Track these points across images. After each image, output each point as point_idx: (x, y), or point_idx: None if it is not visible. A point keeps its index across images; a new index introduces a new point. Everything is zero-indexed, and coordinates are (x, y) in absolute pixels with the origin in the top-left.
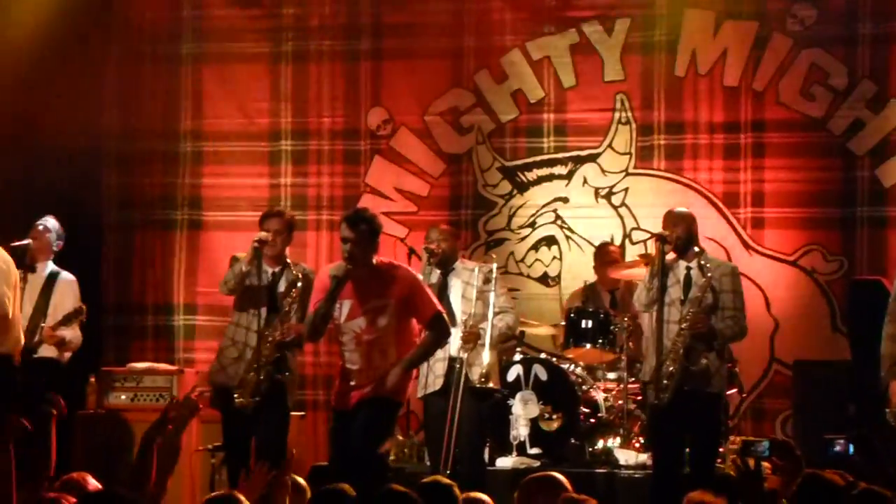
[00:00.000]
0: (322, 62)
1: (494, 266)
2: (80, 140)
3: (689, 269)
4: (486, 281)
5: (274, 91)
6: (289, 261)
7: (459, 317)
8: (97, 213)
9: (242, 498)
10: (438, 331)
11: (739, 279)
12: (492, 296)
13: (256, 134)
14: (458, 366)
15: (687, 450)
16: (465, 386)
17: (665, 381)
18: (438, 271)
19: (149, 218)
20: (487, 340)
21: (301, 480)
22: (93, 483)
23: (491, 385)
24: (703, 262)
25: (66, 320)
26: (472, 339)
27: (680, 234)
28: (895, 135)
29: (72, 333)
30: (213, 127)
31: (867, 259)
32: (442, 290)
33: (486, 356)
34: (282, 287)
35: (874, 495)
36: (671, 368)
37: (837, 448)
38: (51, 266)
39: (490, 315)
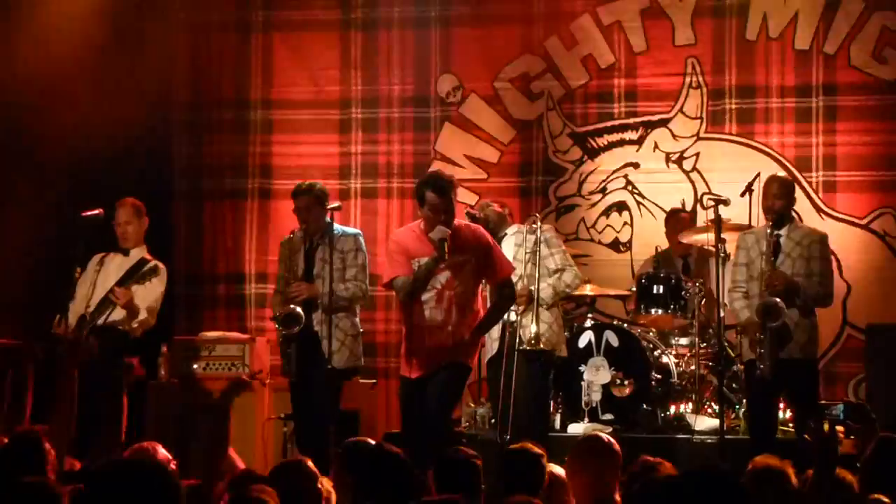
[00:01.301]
0: (392, 29)
1: (539, 225)
2: (150, 110)
3: (778, 237)
4: (536, 242)
5: (344, 59)
6: (336, 227)
7: None
8: (168, 182)
9: (310, 463)
10: (509, 293)
11: (828, 247)
12: (539, 256)
13: (326, 102)
14: (510, 330)
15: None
16: (517, 349)
17: (760, 351)
18: None
19: (219, 187)
20: (536, 301)
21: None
22: (162, 452)
23: (542, 347)
24: (793, 230)
25: (141, 277)
26: (522, 301)
27: (781, 206)
28: None
29: (144, 293)
30: (284, 95)
31: None
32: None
33: (536, 318)
34: (321, 253)
35: None
36: (759, 336)
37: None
38: (143, 252)
39: (537, 275)
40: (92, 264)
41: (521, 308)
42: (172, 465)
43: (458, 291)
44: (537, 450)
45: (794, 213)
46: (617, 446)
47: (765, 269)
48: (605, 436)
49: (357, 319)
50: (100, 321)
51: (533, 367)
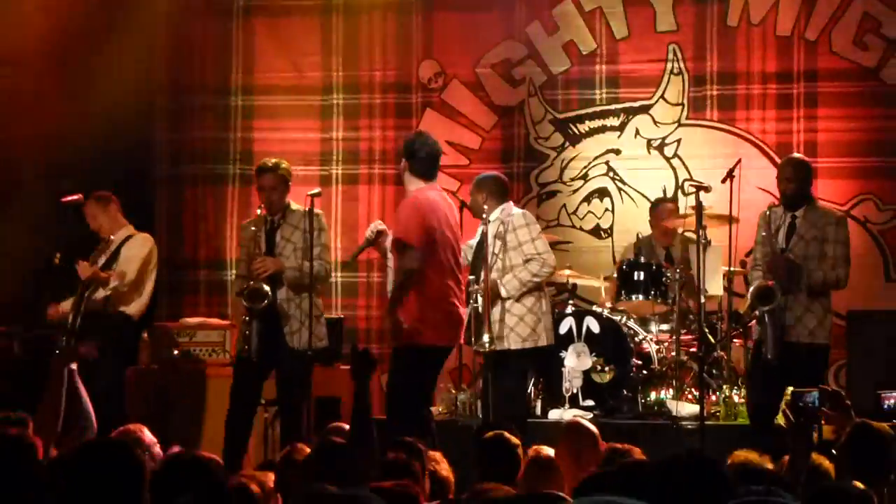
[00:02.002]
0: (373, 15)
1: (489, 215)
2: (131, 95)
3: (794, 218)
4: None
5: (325, 44)
6: (293, 207)
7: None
8: (149, 168)
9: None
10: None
11: (845, 229)
12: (507, 246)
13: (308, 88)
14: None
15: None
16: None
17: (765, 334)
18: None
19: (200, 173)
20: (503, 293)
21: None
22: (148, 435)
23: (506, 346)
24: (809, 212)
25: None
26: (489, 294)
27: (794, 189)
28: None
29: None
30: (265, 81)
31: None
32: (480, 243)
33: (487, 318)
34: (283, 233)
35: None
36: (768, 322)
37: (890, 403)
38: (127, 231)
39: (497, 266)
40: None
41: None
42: (157, 448)
43: None
44: (514, 439)
45: (811, 195)
46: (597, 431)
47: (768, 252)
48: (585, 422)
49: (319, 301)
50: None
51: (497, 370)
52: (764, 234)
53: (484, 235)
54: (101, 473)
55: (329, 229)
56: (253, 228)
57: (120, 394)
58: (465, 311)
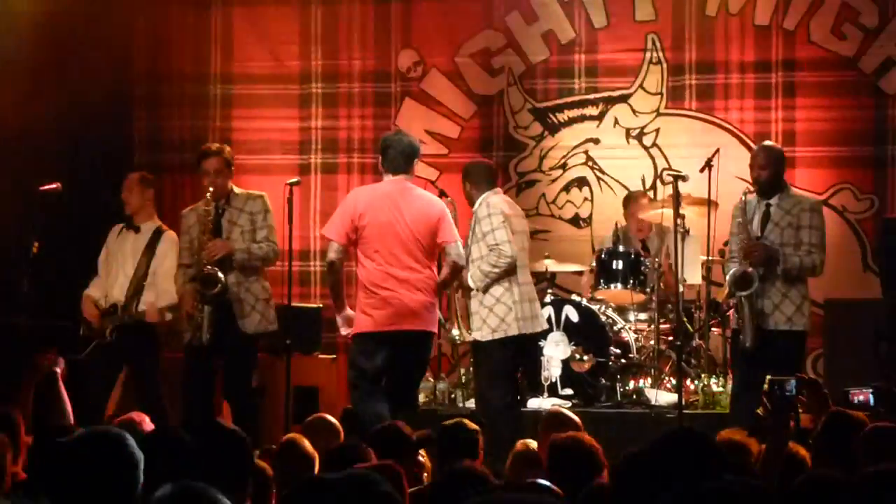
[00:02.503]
0: (352, 4)
1: (474, 205)
2: (109, 84)
3: (768, 205)
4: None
5: (304, 33)
6: (237, 191)
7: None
8: (127, 157)
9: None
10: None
11: (820, 215)
12: (475, 237)
13: (286, 76)
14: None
15: None
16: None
17: (742, 322)
18: None
19: (179, 162)
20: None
21: (334, 420)
22: (149, 424)
23: (478, 337)
24: (784, 199)
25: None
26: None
27: (767, 176)
28: None
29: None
30: (243, 70)
31: None
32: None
33: (454, 309)
34: (229, 216)
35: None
36: (746, 310)
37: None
38: (154, 224)
39: (471, 257)
40: (111, 238)
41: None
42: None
43: None
44: (472, 425)
45: (786, 182)
46: (579, 421)
47: (743, 239)
48: (566, 411)
49: (267, 284)
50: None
51: (474, 361)
52: (739, 221)
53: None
54: (95, 463)
55: (308, 218)
56: (196, 215)
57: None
58: (416, 298)
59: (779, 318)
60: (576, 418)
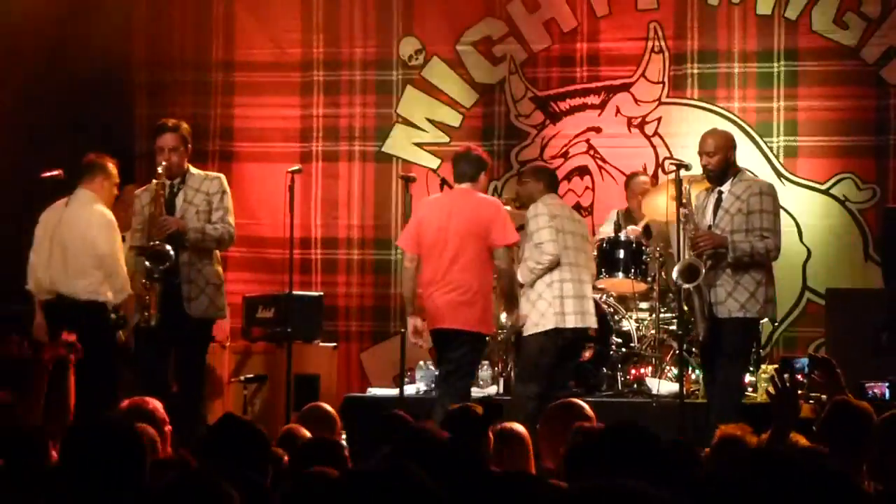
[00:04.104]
0: None
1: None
2: (110, 71)
3: (720, 192)
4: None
5: (305, 21)
6: (192, 171)
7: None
8: (128, 144)
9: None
10: None
11: (772, 198)
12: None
13: (288, 64)
14: None
15: None
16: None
17: (697, 313)
18: None
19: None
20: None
21: (331, 409)
22: (153, 402)
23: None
24: (735, 185)
25: None
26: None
27: (717, 163)
28: None
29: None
30: (245, 57)
31: None
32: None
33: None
34: (184, 196)
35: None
36: (695, 301)
37: (875, 391)
38: None
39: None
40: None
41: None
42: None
43: None
44: (478, 409)
45: (737, 169)
46: (590, 411)
47: (691, 229)
48: (578, 400)
49: (220, 269)
50: None
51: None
52: (686, 213)
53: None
54: (102, 452)
55: (309, 206)
56: (149, 193)
57: None
58: (446, 297)
59: (732, 305)
60: (588, 409)
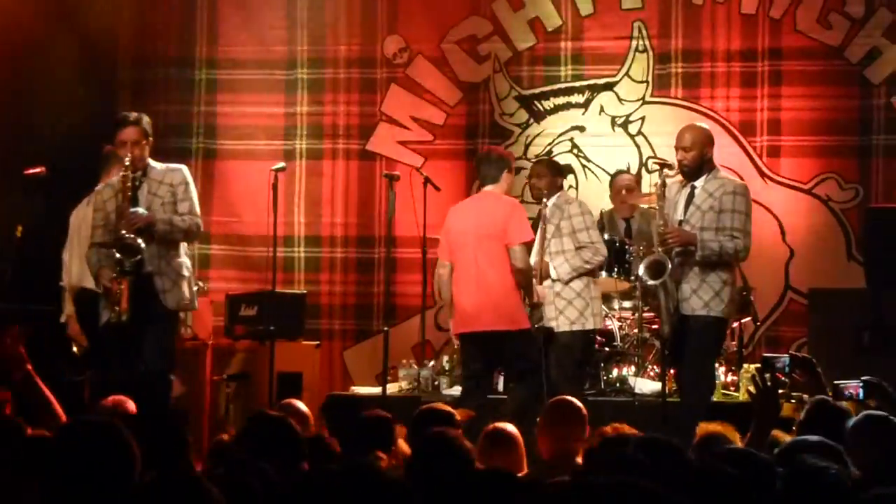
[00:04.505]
0: None
1: (549, 200)
2: (94, 68)
3: (693, 188)
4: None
5: (290, 19)
6: (153, 163)
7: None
8: (111, 141)
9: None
10: None
11: (744, 199)
12: (559, 229)
13: (272, 62)
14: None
15: None
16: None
17: (663, 310)
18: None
19: (163, 146)
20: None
21: (304, 407)
22: (130, 404)
23: (555, 327)
24: (709, 182)
25: None
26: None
27: (692, 158)
28: None
29: None
30: (229, 55)
31: (882, 187)
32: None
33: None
34: (148, 188)
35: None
36: (661, 297)
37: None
38: None
39: (550, 249)
40: None
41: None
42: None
43: None
44: (446, 408)
45: (713, 166)
46: (584, 410)
47: (659, 224)
48: (574, 399)
49: (189, 261)
50: None
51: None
52: (658, 205)
53: (545, 219)
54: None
55: (292, 204)
56: (111, 190)
57: None
58: (473, 300)
59: (696, 302)
60: (582, 408)
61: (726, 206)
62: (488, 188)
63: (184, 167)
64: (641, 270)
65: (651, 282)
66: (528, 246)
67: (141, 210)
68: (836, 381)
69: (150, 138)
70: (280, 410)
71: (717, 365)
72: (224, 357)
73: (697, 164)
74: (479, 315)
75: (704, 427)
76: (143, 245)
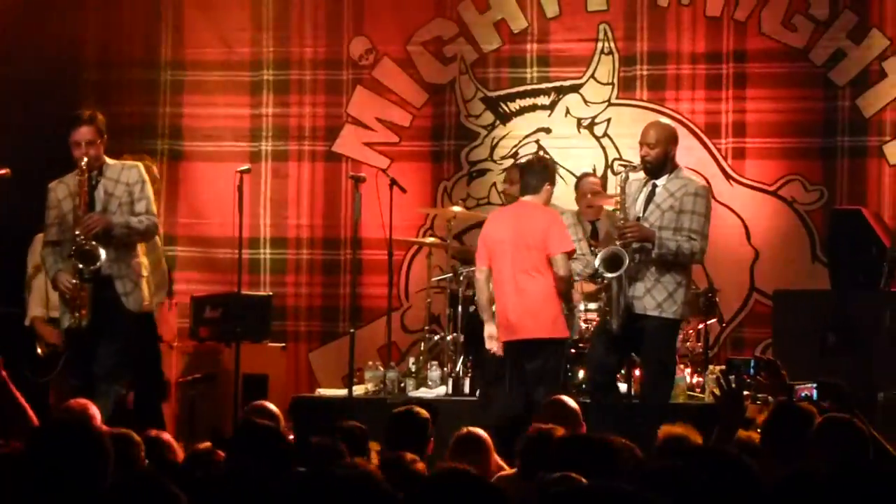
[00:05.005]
0: None
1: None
2: (59, 69)
3: (654, 186)
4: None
5: (255, 20)
6: (109, 161)
7: None
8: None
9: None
10: None
11: (705, 201)
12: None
13: (238, 63)
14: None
15: None
16: None
17: (610, 304)
18: None
19: (129, 148)
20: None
21: (275, 408)
22: (93, 409)
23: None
24: (671, 181)
25: None
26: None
27: (656, 155)
28: (875, 65)
29: None
30: (194, 56)
31: (847, 189)
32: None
33: None
34: (104, 188)
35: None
36: (614, 291)
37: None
38: None
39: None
40: None
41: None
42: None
43: None
44: (423, 413)
45: (676, 165)
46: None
47: (619, 218)
48: (569, 400)
49: (145, 260)
50: None
51: None
52: (619, 198)
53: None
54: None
55: (258, 206)
56: (66, 188)
57: None
58: (512, 310)
59: (648, 302)
60: (576, 406)
61: (686, 206)
62: (528, 198)
63: (139, 164)
64: (598, 262)
65: (608, 274)
66: (570, 255)
67: (97, 213)
68: (790, 382)
69: (105, 136)
70: (252, 413)
71: (681, 366)
72: (189, 359)
73: (661, 161)
74: (520, 324)
75: (667, 429)
76: (102, 253)
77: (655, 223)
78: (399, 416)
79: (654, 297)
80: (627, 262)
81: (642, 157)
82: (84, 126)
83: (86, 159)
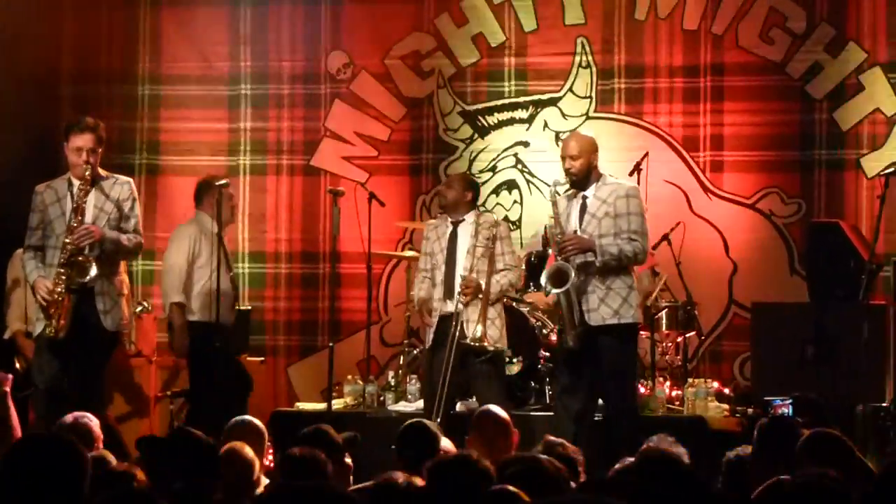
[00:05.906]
0: (282, 5)
1: (495, 220)
2: (36, 83)
3: (585, 198)
4: (491, 238)
5: (233, 34)
6: (103, 173)
7: (459, 271)
8: (54, 157)
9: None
10: None
11: (638, 200)
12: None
13: (215, 78)
14: (454, 321)
15: None
16: (459, 341)
17: (567, 319)
18: (450, 221)
19: (106, 163)
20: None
21: (259, 423)
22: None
23: (486, 345)
24: (599, 189)
25: None
26: (470, 291)
27: (580, 166)
28: (853, 78)
29: None
30: (172, 70)
31: (825, 202)
32: (451, 241)
33: (483, 315)
34: (95, 200)
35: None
36: (564, 307)
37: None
38: None
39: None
40: None
41: (468, 298)
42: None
43: None
44: (434, 427)
45: (601, 172)
46: (509, 419)
47: (556, 233)
48: (497, 410)
49: (126, 279)
50: None
51: (487, 367)
52: (551, 216)
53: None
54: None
55: (236, 221)
56: (55, 194)
57: None
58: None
59: (605, 312)
60: (506, 416)
61: (621, 210)
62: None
63: (130, 181)
64: (544, 280)
65: (555, 290)
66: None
67: (89, 225)
68: (766, 398)
69: (103, 146)
70: (236, 428)
71: (661, 380)
72: (168, 375)
73: (585, 171)
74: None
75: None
76: (94, 268)
77: (594, 233)
78: (409, 428)
79: (609, 305)
80: (573, 275)
81: (567, 171)
82: (88, 133)
83: (89, 169)
